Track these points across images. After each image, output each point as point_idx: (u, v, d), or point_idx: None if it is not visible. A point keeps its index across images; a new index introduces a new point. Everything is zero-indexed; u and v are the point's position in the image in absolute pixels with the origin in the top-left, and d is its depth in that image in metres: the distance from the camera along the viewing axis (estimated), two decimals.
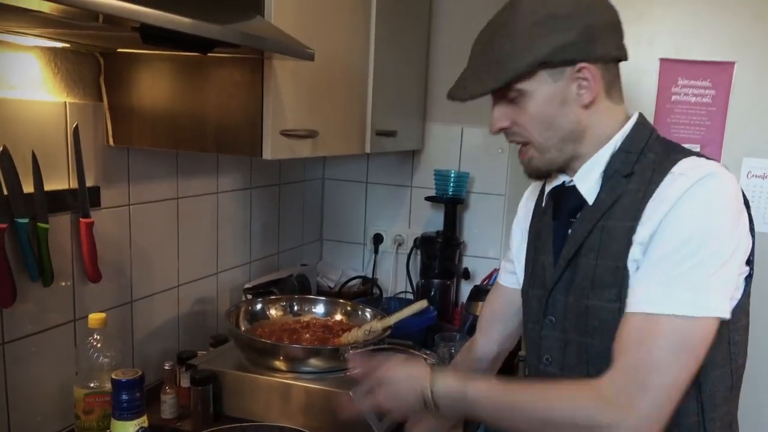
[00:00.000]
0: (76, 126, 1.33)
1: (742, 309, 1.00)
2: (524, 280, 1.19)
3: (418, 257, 2.28)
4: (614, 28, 1.01)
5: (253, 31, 1.12)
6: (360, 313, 1.72)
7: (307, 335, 1.58)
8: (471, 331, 1.75)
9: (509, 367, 1.64)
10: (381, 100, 1.85)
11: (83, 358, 1.27)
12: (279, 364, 1.45)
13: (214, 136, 1.34)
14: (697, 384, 0.98)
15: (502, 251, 2.31)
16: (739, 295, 0.99)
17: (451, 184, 2.20)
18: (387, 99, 1.91)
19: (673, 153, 1.00)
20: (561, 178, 1.10)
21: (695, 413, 1.00)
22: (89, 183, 1.37)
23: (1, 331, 1.22)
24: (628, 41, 1.03)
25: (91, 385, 1.26)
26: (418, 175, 2.38)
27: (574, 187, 1.06)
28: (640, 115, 1.07)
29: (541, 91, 0.99)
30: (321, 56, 1.35)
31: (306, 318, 1.72)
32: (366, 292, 2.31)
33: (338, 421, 1.36)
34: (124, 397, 0.98)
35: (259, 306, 1.70)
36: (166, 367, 1.46)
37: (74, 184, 1.34)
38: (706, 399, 1.00)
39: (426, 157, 2.35)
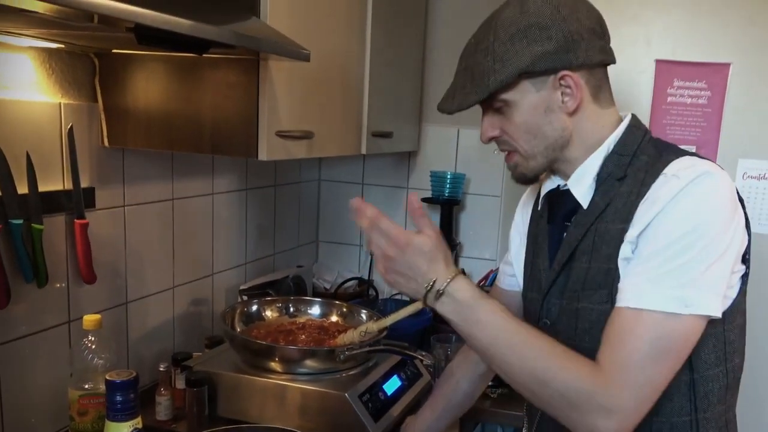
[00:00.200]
0: (71, 127, 1.32)
1: (737, 308, 1.00)
2: (524, 284, 1.20)
3: None
4: (597, 33, 1.01)
5: (248, 31, 1.12)
6: (356, 314, 1.72)
7: (303, 337, 1.57)
8: None
9: None
10: (377, 101, 1.85)
11: (78, 360, 1.26)
12: (274, 365, 1.45)
13: (209, 137, 1.34)
14: (691, 383, 0.98)
15: (498, 252, 2.31)
16: (734, 293, 0.98)
17: (447, 186, 2.21)
18: (383, 100, 1.91)
19: (666, 154, 1.00)
20: (556, 181, 1.11)
21: (688, 412, 1.00)
22: (84, 184, 1.36)
23: None
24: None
25: (86, 386, 1.25)
26: (414, 177, 2.38)
27: (569, 190, 1.06)
28: (633, 117, 1.07)
29: (525, 100, 1.00)
30: (317, 57, 1.35)
31: (302, 319, 1.71)
32: (362, 294, 2.30)
33: (333, 423, 1.37)
34: (118, 398, 0.97)
35: (254, 307, 1.69)
36: (161, 369, 1.45)
37: (69, 185, 1.33)
38: (699, 398, 1.00)
39: (422, 159, 2.36)
